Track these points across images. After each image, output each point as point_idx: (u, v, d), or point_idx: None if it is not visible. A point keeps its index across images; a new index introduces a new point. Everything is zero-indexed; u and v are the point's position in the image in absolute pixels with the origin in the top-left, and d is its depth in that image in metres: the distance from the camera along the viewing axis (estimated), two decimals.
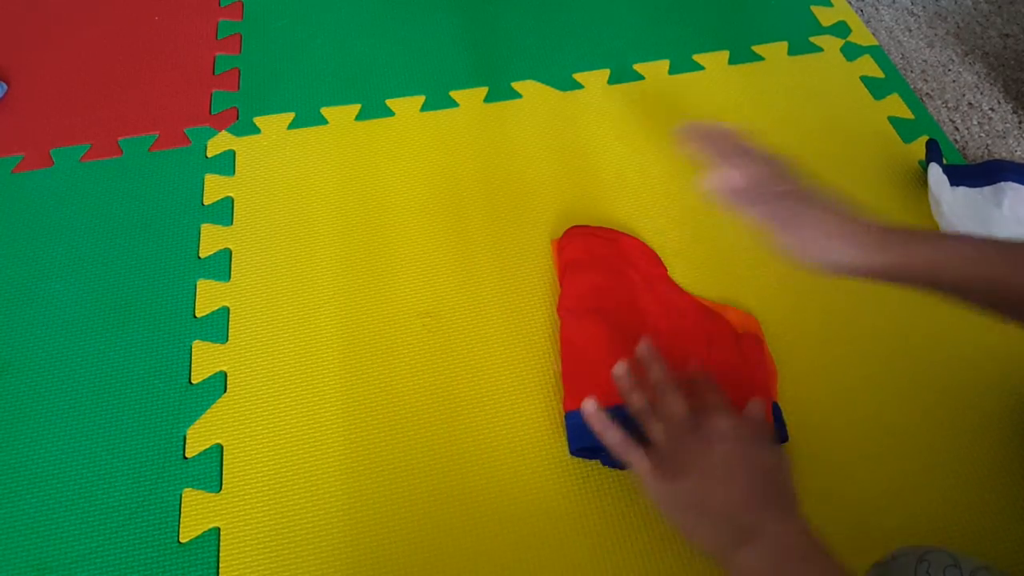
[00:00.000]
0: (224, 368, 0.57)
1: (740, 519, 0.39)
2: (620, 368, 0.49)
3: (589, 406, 0.48)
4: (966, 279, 0.38)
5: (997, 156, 0.72)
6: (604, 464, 0.51)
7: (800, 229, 0.42)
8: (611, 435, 0.46)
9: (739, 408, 0.51)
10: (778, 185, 0.46)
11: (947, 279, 0.39)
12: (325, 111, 0.74)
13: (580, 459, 0.52)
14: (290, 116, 0.74)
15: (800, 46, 0.79)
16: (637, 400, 0.47)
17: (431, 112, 0.74)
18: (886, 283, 0.41)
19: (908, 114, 0.73)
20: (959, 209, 0.62)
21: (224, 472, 0.52)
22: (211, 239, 0.65)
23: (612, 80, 0.76)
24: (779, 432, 0.52)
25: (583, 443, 0.50)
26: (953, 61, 0.80)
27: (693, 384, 0.48)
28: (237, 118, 0.74)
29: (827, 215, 0.43)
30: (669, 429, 0.45)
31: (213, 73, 0.78)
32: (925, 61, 0.80)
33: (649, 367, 0.49)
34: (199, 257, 0.64)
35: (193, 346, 0.58)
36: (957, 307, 0.40)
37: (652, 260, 0.61)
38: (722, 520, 0.40)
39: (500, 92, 0.75)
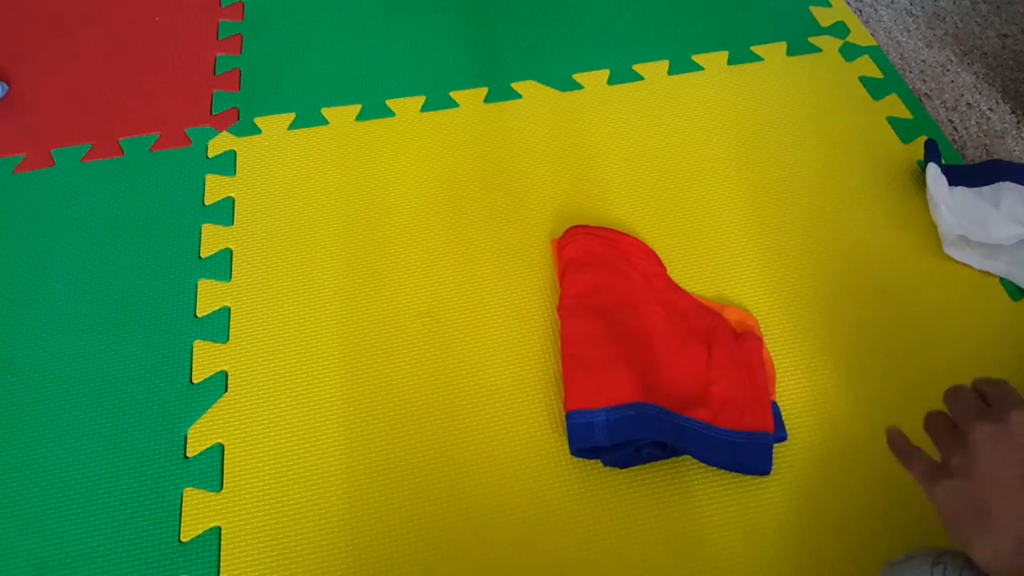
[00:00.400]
0: (225, 368, 0.57)
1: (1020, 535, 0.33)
2: (892, 430, 0.42)
3: (893, 433, 0.41)
4: None
5: (995, 156, 0.72)
6: (605, 464, 0.51)
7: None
8: (918, 460, 0.39)
9: (739, 409, 0.52)
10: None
11: None
12: (326, 111, 0.74)
13: (580, 459, 0.52)
14: (291, 116, 0.74)
15: (799, 46, 0.79)
16: (920, 461, 0.40)
17: (431, 112, 0.74)
18: None
19: (907, 114, 0.73)
20: (957, 209, 0.62)
21: (225, 471, 0.52)
22: (212, 239, 0.65)
23: (612, 80, 0.76)
24: (778, 431, 0.52)
25: (583, 443, 0.51)
26: (952, 61, 0.80)
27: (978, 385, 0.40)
28: (238, 118, 0.74)
29: None
30: (961, 422, 0.38)
31: (214, 73, 0.78)
32: (924, 61, 0.80)
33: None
34: (200, 257, 0.64)
35: (194, 346, 0.59)
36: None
37: (652, 260, 0.61)
38: (1007, 536, 0.34)
39: (500, 92, 0.75)
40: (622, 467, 0.51)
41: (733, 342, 0.55)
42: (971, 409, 0.38)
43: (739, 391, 0.52)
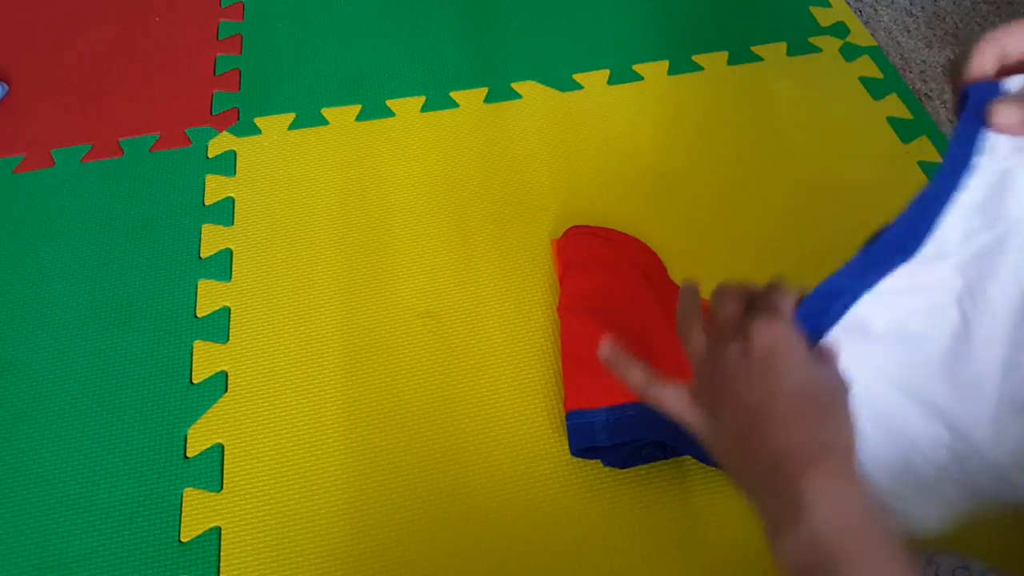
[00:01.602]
0: (225, 368, 0.57)
1: (783, 474, 0.29)
2: (606, 348, 0.37)
3: (606, 345, 0.36)
4: None
5: None
6: (605, 465, 0.51)
7: None
8: (634, 374, 0.35)
9: None
10: None
11: None
12: (326, 112, 0.74)
13: (580, 459, 0.52)
14: (291, 117, 0.74)
15: (799, 47, 0.79)
16: (637, 377, 0.36)
17: (431, 113, 0.74)
18: None
19: (907, 114, 0.73)
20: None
21: (225, 472, 0.52)
22: (212, 239, 0.65)
23: (612, 80, 0.76)
24: None
25: (584, 443, 0.50)
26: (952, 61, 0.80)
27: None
28: (238, 119, 0.74)
29: None
30: (711, 341, 0.34)
31: (214, 74, 0.78)
32: (924, 61, 0.80)
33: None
34: (200, 257, 0.64)
35: (194, 346, 0.59)
36: None
37: (652, 260, 0.61)
38: (766, 472, 0.30)
39: (500, 93, 0.75)
40: (622, 467, 0.51)
41: None
42: (724, 320, 0.34)
43: None
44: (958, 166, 0.29)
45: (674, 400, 0.34)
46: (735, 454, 0.32)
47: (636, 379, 0.35)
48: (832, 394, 0.31)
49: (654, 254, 0.62)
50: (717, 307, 0.35)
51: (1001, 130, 0.30)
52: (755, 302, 0.33)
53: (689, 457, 0.51)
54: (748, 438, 0.31)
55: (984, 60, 0.33)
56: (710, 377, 0.33)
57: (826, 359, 0.32)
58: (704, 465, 0.51)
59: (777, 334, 0.31)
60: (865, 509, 0.29)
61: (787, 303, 0.32)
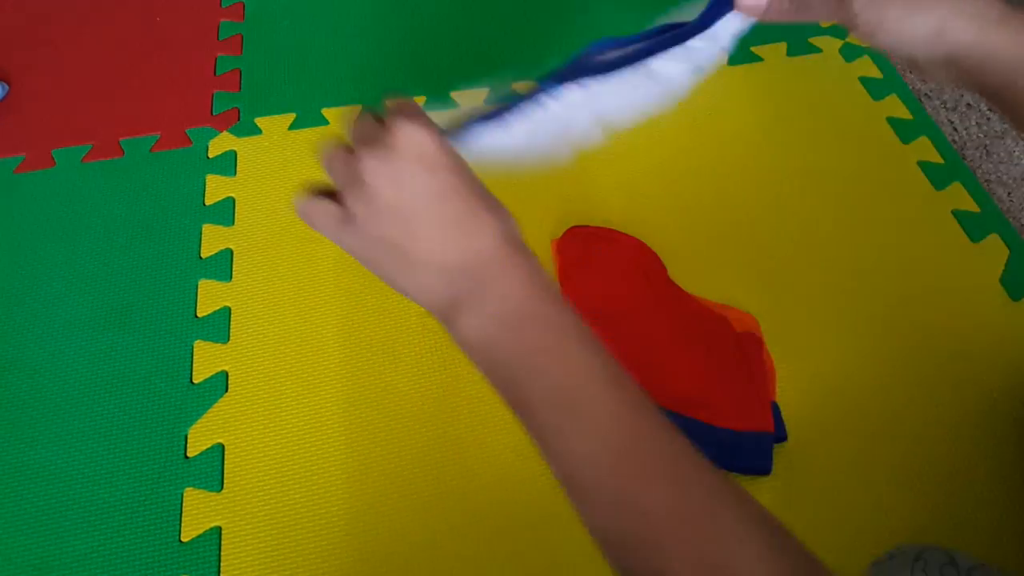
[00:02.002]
0: (225, 368, 0.57)
1: (451, 265, 0.29)
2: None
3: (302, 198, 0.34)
4: None
5: (996, 157, 0.72)
6: None
7: None
8: (321, 212, 0.33)
9: (739, 409, 0.52)
10: None
11: None
12: (326, 112, 0.74)
13: None
14: (291, 117, 0.74)
15: (799, 47, 0.79)
16: (322, 214, 0.33)
17: (432, 113, 0.74)
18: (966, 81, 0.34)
19: (906, 114, 0.73)
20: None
21: (225, 471, 0.52)
22: (212, 239, 0.65)
23: None
24: (779, 431, 0.52)
25: None
26: None
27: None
28: (238, 119, 0.74)
29: None
30: (356, 153, 0.31)
31: (214, 74, 0.78)
32: None
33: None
34: (200, 257, 0.64)
35: (194, 346, 0.59)
36: None
37: (651, 260, 0.61)
38: (430, 271, 0.30)
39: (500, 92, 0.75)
40: None
41: (733, 343, 0.55)
42: (362, 135, 0.32)
43: (739, 391, 0.52)
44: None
45: (324, 217, 0.32)
46: (396, 269, 0.31)
47: (324, 223, 0.33)
48: (479, 185, 0.31)
49: (654, 254, 0.62)
50: (351, 124, 0.33)
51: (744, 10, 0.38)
52: (388, 116, 0.31)
53: None
54: (405, 249, 0.30)
55: None
56: (356, 193, 0.31)
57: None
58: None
59: (424, 134, 0.30)
60: (544, 286, 0.29)
61: (421, 110, 0.32)
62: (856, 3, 0.37)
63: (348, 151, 0.32)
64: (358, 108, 0.34)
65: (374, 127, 0.32)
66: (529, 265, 0.30)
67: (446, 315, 0.30)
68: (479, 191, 0.31)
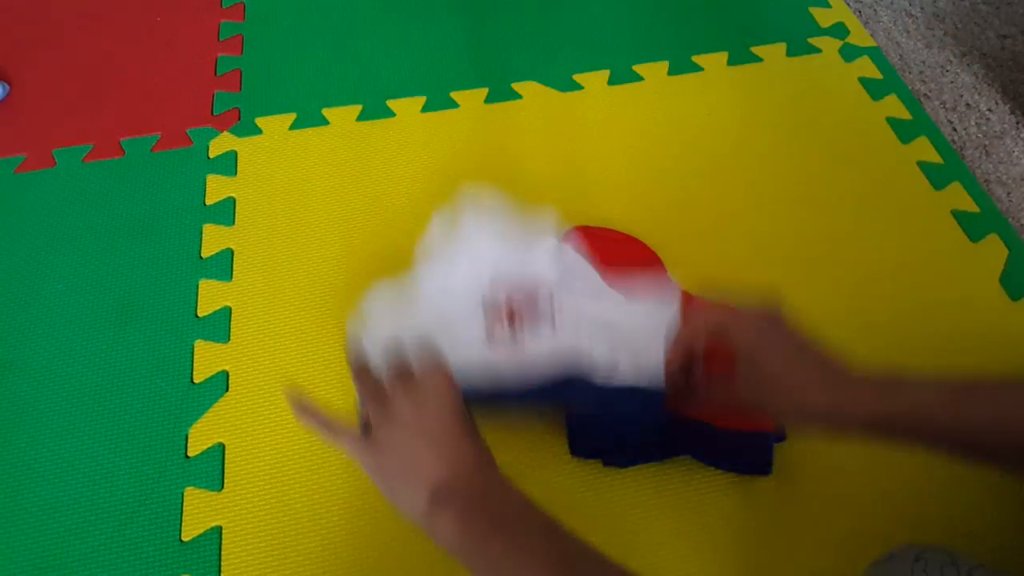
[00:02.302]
0: (226, 367, 0.57)
1: (437, 485, 0.37)
2: (291, 394, 0.43)
3: (291, 393, 0.43)
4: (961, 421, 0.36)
5: (995, 156, 0.72)
6: (605, 464, 0.51)
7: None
8: (313, 420, 0.42)
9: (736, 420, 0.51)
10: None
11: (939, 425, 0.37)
12: (326, 112, 0.74)
13: (580, 459, 0.52)
14: (292, 117, 0.74)
15: (799, 47, 0.79)
16: (365, 388, 0.42)
17: (432, 113, 0.74)
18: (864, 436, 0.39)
19: (906, 115, 0.73)
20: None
21: (226, 471, 0.53)
22: (213, 239, 0.65)
23: (612, 81, 0.76)
24: (779, 431, 0.52)
25: (585, 443, 0.51)
26: (951, 62, 0.80)
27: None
28: (239, 119, 0.74)
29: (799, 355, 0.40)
30: (388, 383, 0.41)
31: (215, 74, 0.78)
32: (923, 62, 0.80)
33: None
34: (201, 257, 0.64)
35: (195, 346, 0.59)
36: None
37: (652, 261, 0.61)
38: (420, 488, 0.37)
39: (500, 93, 0.76)
40: (622, 467, 0.51)
41: None
42: (395, 370, 0.41)
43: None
44: None
45: (347, 440, 0.40)
46: (396, 483, 0.38)
47: (314, 425, 0.41)
48: (470, 420, 0.40)
49: (655, 255, 0.62)
50: (390, 358, 0.43)
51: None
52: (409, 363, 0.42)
53: (690, 457, 0.51)
54: (409, 468, 0.38)
55: None
56: (382, 409, 0.39)
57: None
58: (705, 465, 0.51)
59: (441, 377, 0.40)
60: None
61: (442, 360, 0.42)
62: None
63: (377, 382, 0.41)
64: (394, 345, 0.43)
65: (406, 366, 0.42)
66: (491, 484, 0.38)
67: (424, 523, 0.37)
68: (468, 428, 0.40)
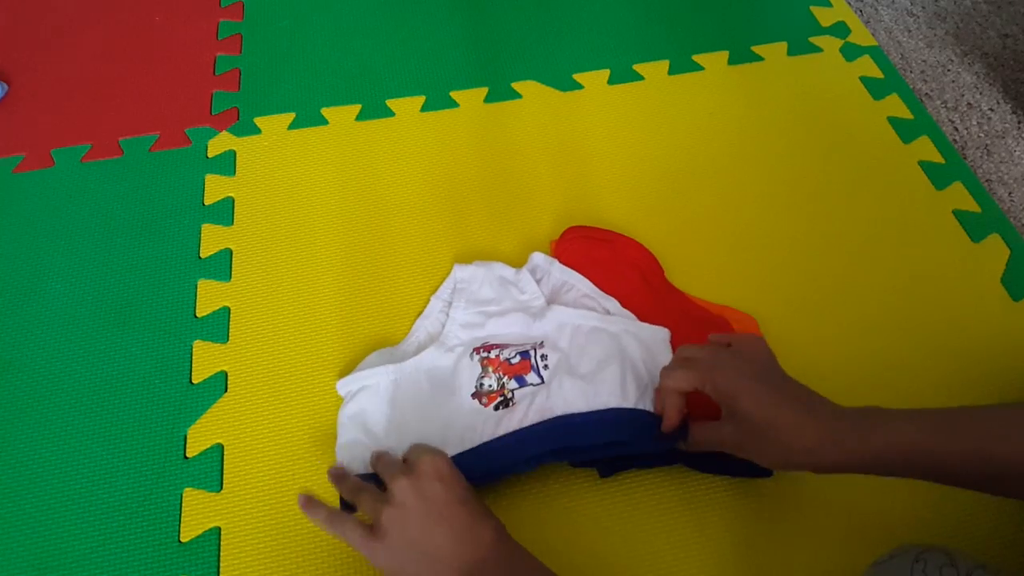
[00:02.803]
0: (225, 368, 0.57)
1: (463, 563, 0.39)
2: (302, 498, 0.46)
3: (302, 500, 0.45)
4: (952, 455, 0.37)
5: (996, 156, 0.72)
6: (601, 476, 0.51)
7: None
8: (319, 514, 0.44)
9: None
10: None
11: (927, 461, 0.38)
12: (325, 111, 0.74)
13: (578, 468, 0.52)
14: (290, 116, 0.74)
15: (799, 46, 0.79)
16: (346, 490, 0.46)
17: (431, 112, 0.74)
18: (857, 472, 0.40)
19: (907, 114, 0.73)
20: None
21: (225, 472, 0.52)
22: (212, 239, 0.65)
23: (612, 80, 0.76)
24: None
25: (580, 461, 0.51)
26: (952, 61, 0.80)
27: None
28: (238, 118, 0.74)
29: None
30: (387, 482, 0.44)
31: (214, 73, 0.78)
32: (924, 61, 0.80)
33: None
34: (200, 257, 0.64)
35: (194, 346, 0.59)
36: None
37: (650, 262, 0.61)
38: (449, 570, 0.39)
39: (500, 92, 0.75)
40: (610, 474, 0.51)
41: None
42: (390, 468, 0.44)
43: None
44: None
45: (353, 533, 0.42)
46: (421, 569, 0.40)
47: (321, 518, 0.44)
48: (477, 498, 0.43)
49: (652, 256, 0.61)
50: (377, 462, 0.47)
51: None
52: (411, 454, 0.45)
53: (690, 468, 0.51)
54: (430, 552, 0.40)
55: None
56: (388, 510, 0.41)
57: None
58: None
59: (439, 461, 0.43)
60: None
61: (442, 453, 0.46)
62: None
63: (372, 491, 0.44)
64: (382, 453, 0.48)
65: (398, 461, 0.46)
66: (513, 554, 0.41)
67: None
68: (477, 503, 0.43)
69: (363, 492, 0.44)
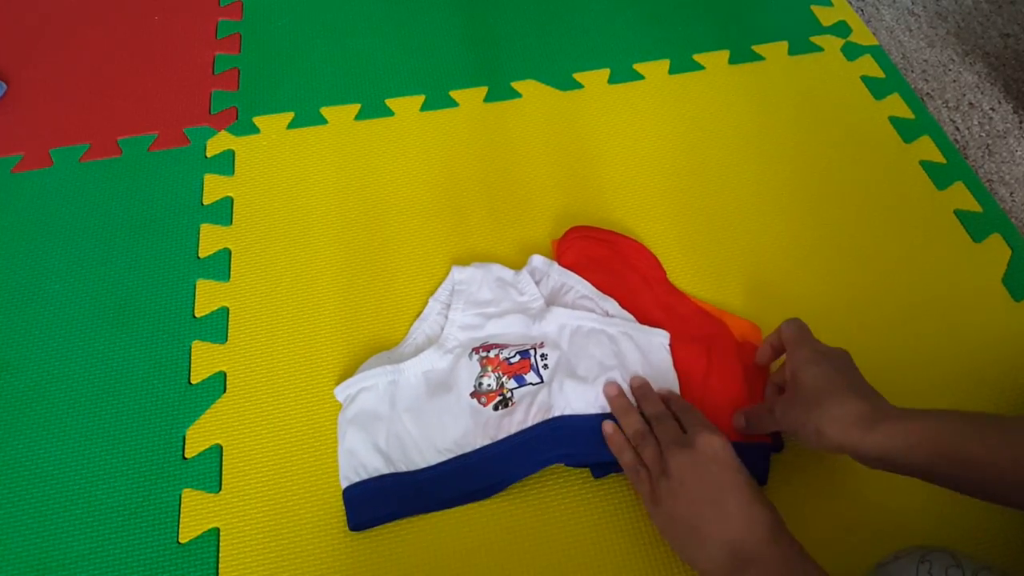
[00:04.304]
0: (223, 368, 0.57)
1: (734, 543, 0.40)
2: (608, 426, 0.49)
3: (608, 427, 0.49)
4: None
5: (997, 155, 0.72)
6: (595, 477, 0.51)
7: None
8: (626, 455, 0.47)
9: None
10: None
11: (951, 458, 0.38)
12: (324, 111, 0.74)
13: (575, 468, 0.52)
14: (289, 116, 0.74)
15: (800, 46, 0.79)
16: (629, 457, 0.47)
17: (431, 112, 0.74)
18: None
19: (908, 114, 0.73)
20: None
21: (223, 472, 0.52)
22: (210, 239, 0.65)
23: (612, 80, 0.76)
24: (775, 441, 0.51)
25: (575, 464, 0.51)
26: (954, 61, 0.80)
27: (674, 408, 0.48)
28: (236, 118, 0.74)
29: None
30: (664, 450, 0.45)
31: (212, 73, 0.78)
32: (925, 61, 0.80)
33: (643, 401, 0.50)
34: (198, 257, 0.64)
35: (192, 346, 0.58)
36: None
37: (651, 262, 0.61)
38: (716, 545, 0.40)
39: (500, 92, 0.75)
40: (604, 475, 0.51)
41: (734, 349, 0.55)
42: (670, 436, 0.45)
43: (738, 399, 0.52)
44: None
45: (641, 488, 0.45)
46: (689, 542, 0.42)
47: (625, 460, 0.47)
48: (754, 484, 0.43)
49: (653, 256, 0.61)
50: (660, 429, 0.47)
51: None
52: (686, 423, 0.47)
53: None
54: (699, 527, 0.41)
55: None
56: (664, 482, 0.43)
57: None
58: None
59: (717, 442, 0.43)
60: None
61: (699, 417, 0.47)
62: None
63: (654, 445, 0.45)
64: (662, 412, 0.48)
65: (679, 431, 0.46)
66: (790, 552, 0.40)
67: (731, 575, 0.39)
68: (755, 489, 0.42)
69: (647, 445, 0.45)
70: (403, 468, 0.50)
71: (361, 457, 0.50)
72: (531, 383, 0.51)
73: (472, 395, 0.51)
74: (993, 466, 0.37)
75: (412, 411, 0.51)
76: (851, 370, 0.45)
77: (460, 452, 0.49)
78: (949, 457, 0.38)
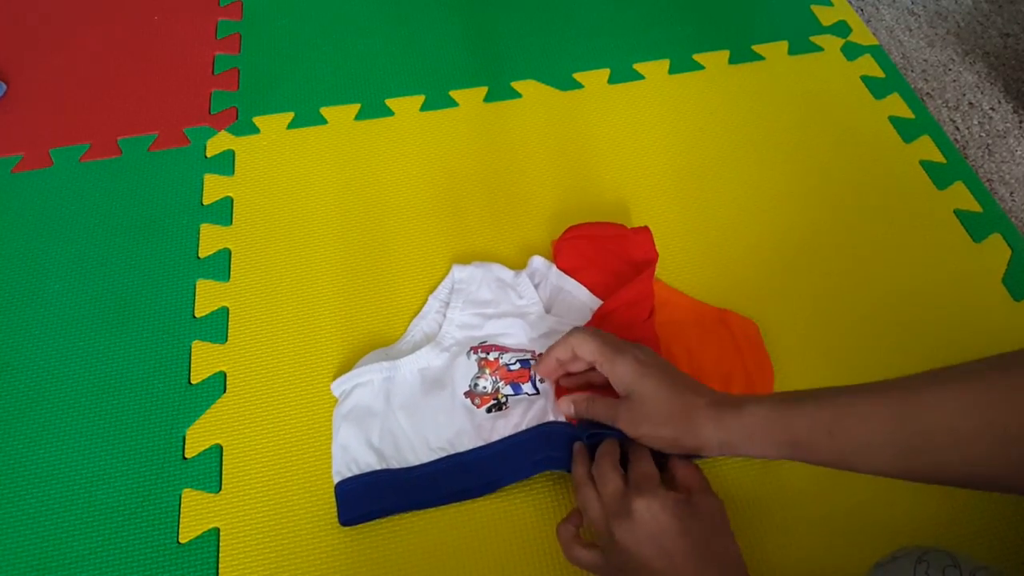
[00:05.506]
0: (223, 368, 0.57)
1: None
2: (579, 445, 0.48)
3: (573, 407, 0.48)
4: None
5: (997, 156, 0.72)
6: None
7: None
8: (576, 461, 0.47)
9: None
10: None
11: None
12: (324, 111, 0.74)
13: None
14: (289, 116, 0.74)
15: (800, 45, 0.79)
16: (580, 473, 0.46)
17: (431, 112, 0.74)
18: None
19: (908, 114, 0.73)
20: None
21: (224, 472, 0.52)
22: (210, 239, 0.65)
23: (612, 80, 0.76)
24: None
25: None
26: (954, 61, 0.80)
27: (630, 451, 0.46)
28: (236, 118, 0.74)
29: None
30: (607, 509, 0.43)
31: (212, 73, 0.78)
32: (925, 60, 0.80)
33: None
34: (198, 257, 0.64)
35: (192, 346, 0.58)
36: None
37: (651, 258, 0.61)
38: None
39: (500, 92, 0.75)
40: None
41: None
42: (638, 483, 0.42)
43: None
44: None
45: (589, 560, 0.44)
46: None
47: (577, 475, 0.46)
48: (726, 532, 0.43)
49: (654, 250, 0.61)
50: (601, 481, 0.44)
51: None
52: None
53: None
54: (665, 572, 0.39)
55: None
56: (625, 524, 0.41)
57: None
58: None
59: (716, 502, 0.43)
60: None
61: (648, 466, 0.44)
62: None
63: (621, 490, 0.42)
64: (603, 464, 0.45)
65: (650, 477, 0.43)
66: None
67: None
68: (725, 538, 0.42)
69: (609, 479, 0.43)
70: (395, 465, 0.50)
71: (354, 453, 0.50)
72: (527, 393, 0.51)
73: (466, 395, 0.51)
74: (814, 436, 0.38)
75: (406, 408, 0.51)
76: (668, 366, 0.45)
77: (453, 451, 0.49)
78: (790, 444, 0.39)
